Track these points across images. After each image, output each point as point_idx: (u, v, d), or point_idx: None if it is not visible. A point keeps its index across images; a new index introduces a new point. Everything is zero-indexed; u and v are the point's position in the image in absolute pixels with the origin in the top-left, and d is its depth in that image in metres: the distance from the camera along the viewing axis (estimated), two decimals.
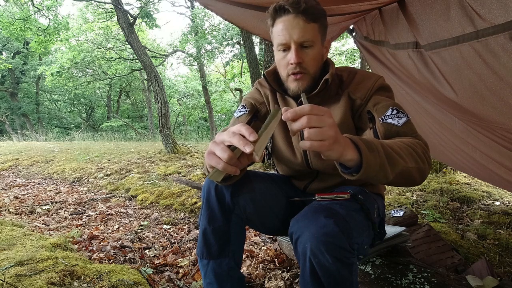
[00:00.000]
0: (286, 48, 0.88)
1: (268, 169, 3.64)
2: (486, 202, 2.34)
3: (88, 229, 2.23)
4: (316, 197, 0.88)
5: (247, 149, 0.62)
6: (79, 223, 2.39)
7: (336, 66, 0.99)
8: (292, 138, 1.04)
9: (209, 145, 0.70)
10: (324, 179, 1.05)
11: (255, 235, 1.98)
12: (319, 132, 0.59)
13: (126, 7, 6.02)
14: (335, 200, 0.86)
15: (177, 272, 1.56)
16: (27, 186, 3.91)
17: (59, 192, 3.50)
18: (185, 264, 1.63)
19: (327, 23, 0.91)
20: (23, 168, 5.01)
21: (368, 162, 0.64)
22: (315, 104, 0.61)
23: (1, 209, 2.72)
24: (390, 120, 0.84)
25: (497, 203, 2.32)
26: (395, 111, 0.85)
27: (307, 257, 0.73)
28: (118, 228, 2.30)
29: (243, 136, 0.64)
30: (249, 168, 1.02)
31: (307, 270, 0.75)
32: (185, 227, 2.26)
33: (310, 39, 0.85)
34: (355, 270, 0.78)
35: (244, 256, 1.68)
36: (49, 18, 8.03)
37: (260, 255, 1.69)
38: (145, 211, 2.72)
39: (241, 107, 1.09)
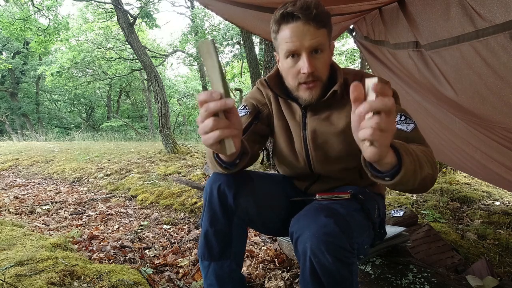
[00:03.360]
0: (295, 55, 0.84)
1: (268, 169, 3.64)
2: (486, 202, 2.33)
3: (88, 229, 2.23)
4: (317, 197, 0.88)
5: (220, 106, 0.57)
6: (79, 223, 2.39)
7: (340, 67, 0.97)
8: (294, 143, 1.03)
9: (199, 129, 0.63)
10: (325, 181, 1.05)
11: (255, 235, 1.98)
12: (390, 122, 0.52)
13: (126, 7, 6.02)
14: (335, 200, 0.86)
15: (177, 272, 1.56)
16: (27, 186, 3.91)
17: (59, 192, 3.50)
18: (185, 264, 1.63)
19: (332, 25, 0.89)
20: (23, 168, 5.01)
21: (406, 166, 0.59)
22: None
23: (1, 209, 2.72)
24: (399, 126, 0.81)
25: (497, 203, 2.32)
26: (403, 117, 0.83)
27: (307, 256, 0.73)
28: (118, 228, 2.30)
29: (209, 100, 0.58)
30: (249, 168, 1.02)
31: (307, 270, 0.75)
32: (185, 227, 2.26)
33: (321, 45, 0.83)
34: (355, 270, 0.77)
35: (244, 256, 1.68)
36: (49, 18, 8.03)
37: (260, 255, 1.69)
38: (145, 211, 2.72)
39: (242, 107, 1.06)
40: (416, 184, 0.66)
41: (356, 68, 1.07)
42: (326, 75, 0.89)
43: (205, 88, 14.43)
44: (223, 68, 0.68)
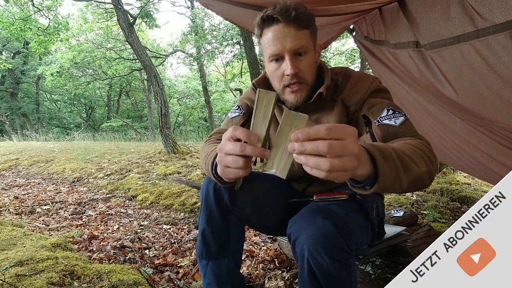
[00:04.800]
0: (279, 58, 0.84)
1: None
2: None
3: (88, 229, 2.23)
4: (314, 198, 0.88)
5: (258, 153, 0.58)
6: (79, 223, 2.39)
7: (334, 66, 0.97)
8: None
9: (218, 158, 0.65)
10: (322, 182, 1.04)
11: (255, 235, 1.98)
12: (341, 163, 0.48)
13: (126, 7, 6.02)
14: (333, 201, 0.85)
15: (177, 272, 1.56)
16: (27, 186, 3.91)
17: (59, 192, 3.50)
18: (185, 264, 1.63)
19: (316, 26, 0.88)
20: (23, 168, 5.01)
21: (384, 173, 0.55)
22: (332, 124, 0.50)
23: (1, 209, 2.71)
24: (386, 121, 0.79)
25: None
26: (391, 111, 0.80)
27: (305, 258, 0.73)
28: (118, 228, 2.30)
29: (246, 142, 0.59)
30: None
31: (305, 271, 0.75)
32: (185, 227, 2.26)
33: (303, 46, 0.82)
34: (353, 270, 0.77)
35: (244, 256, 1.68)
36: (49, 18, 8.03)
37: (260, 255, 1.69)
38: (145, 211, 2.72)
39: (236, 107, 1.07)
40: (405, 185, 0.62)
41: (345, 67, 1.06)
42: (312, 77, 0.88)
43: (205, 88, 14.43)
44: (271, 123, 0.70)
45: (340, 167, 0.49)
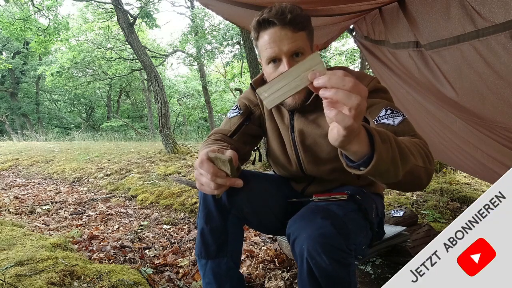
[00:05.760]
0: (276, 60, 0.84)
1: (269, 169, 3.64)
2: None
3: (88, 229, 2.23)
4: (314, 198, 0.88)
5: (229, 184, 0.71)
6: (79, 223, 2.39)
7: (331, 66, 0.97)
8: (286, 147, 1.04)
9: (195, 174, 0.75)
10: (320, 183, 1.05)
11: (255, 235, 1.98)
12: (362, 101, 0.48)
13: (126, 7, 6.02)
14: (332, 201, 0.86)
15: (177, 272, 1.56)
16: (27, 186, 3.91)
17: (59, 192, 3.50)
18: (185, 264, 1.63)
19: (312, 27, 0.88)
20: (23, 168, 5.01)
21: (380, 153, 0.53)
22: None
23: (1, 209, 2.71)
24: (384, 121, 0.78)
25: None
26: (389, 111, 0.79)
27: (304, 258, 0.74)
28: (118, 228, 2.30)
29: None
30: (249, 169, 1.02)
31: (304, 271, 0.75)
32: (185, 227, 2.26)
33: (300, 48, 0.82)
34: (353, 270, 0.78)
35: (244, 256, 1.68)
36: (49, 18, 8.03)
37: (260, 255, 1.69)
38: (145, 211, 2.72)
39: (235, 107, 1.08)
40: (401, 175, 0.60)
41: (344, 66, 1.06)
42: None
43: (205, 88, 14.42)
44: (232, 162, 0.72)
45: (362, 105, 0.48)
